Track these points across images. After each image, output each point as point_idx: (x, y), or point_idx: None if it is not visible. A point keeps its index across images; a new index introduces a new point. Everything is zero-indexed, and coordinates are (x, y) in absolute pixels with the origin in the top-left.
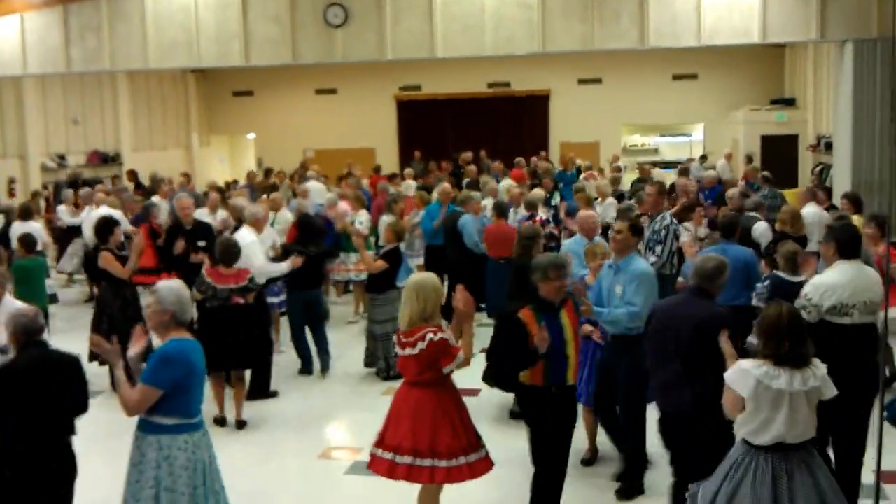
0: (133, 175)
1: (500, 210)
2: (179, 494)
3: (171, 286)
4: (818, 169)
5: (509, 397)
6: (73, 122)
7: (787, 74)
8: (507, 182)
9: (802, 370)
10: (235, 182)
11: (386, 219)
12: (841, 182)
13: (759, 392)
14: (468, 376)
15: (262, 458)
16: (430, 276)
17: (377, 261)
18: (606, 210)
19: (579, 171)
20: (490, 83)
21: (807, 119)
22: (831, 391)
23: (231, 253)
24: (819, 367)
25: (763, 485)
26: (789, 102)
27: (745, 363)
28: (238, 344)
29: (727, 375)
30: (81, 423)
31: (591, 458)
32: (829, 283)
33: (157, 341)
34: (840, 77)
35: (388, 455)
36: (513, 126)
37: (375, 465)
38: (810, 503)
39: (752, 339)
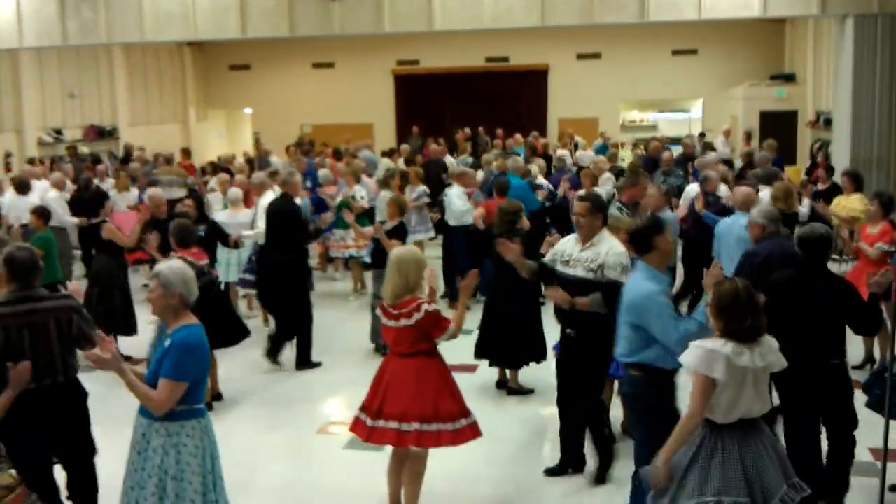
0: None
1: (502, 188)
2: (187, 483)
3: (174, 267)
4: (817, 145)
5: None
6: (70, 97)
7: (787, 50)
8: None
9: (759, 344)
10: (233, 157)
11: (385, 194)
12: (840, 158)
13: (729, 371)
14: (467, 352)
15: (259, 433)
16: (412, 250)
17: (391, 240)
18: (604, 185)
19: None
20: (488, 58)
21: (806, 95)
22: (782, 363)
23: (191, 233)
24: (771, 341)
25: (732, 463)
26: (789, 78)
27: (707, 343)
28: (230, 322)
29: (689, 360)
30: None
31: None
32: None
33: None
34: (840, 52)
35: (394, 424)
36: (511, 101)
37: (378, 436)
38: (775, 473)
39: None
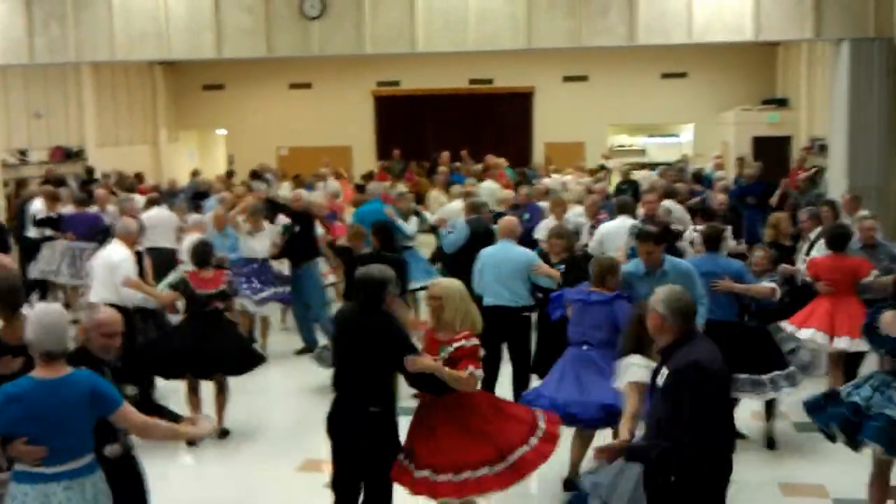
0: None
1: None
2: None
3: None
4: (812, 170)
5: None
6: (36, 116)
7: (779, 74)
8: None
9: None
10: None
11: None
12: (837, 186)
13: None
14: None
15: (238, 470)
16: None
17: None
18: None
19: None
20: (472, 79)
21: (800, 120)
22: None
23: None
24: None
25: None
26: (782, 103)
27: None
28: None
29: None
30: None
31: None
32: None
33: None
34: (835, 77)
35: (448, 476)
36: (495, 124)
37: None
38: None
39: None
